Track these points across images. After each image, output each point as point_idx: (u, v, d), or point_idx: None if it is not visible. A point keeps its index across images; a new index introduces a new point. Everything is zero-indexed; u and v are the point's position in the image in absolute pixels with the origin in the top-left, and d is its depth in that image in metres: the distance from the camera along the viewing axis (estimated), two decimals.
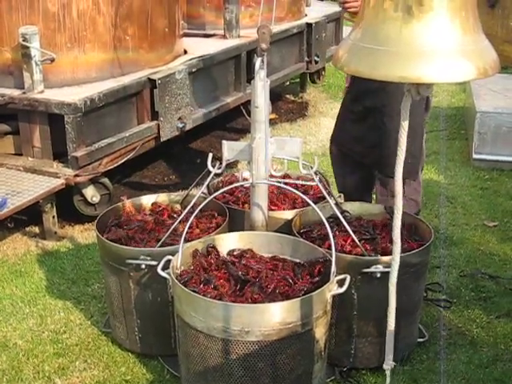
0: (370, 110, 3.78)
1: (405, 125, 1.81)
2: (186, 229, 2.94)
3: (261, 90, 3.06)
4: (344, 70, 1.83)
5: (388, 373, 2.25)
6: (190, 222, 2.97)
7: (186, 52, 5.79)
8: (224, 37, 6.38)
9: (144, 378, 3.24)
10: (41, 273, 4.19)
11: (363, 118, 3.84)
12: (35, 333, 3.60)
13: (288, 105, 7.87)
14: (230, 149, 3.21)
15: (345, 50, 1.84)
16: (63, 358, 3.40)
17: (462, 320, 3.65)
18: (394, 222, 1.99)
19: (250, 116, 3.21)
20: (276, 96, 7.66)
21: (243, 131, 6.62)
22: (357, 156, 3.98)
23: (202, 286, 2.87)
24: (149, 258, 3.10)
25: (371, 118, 3.79)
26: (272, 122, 6.94)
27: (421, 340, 3.41)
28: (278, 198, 3.66)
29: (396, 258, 2.03)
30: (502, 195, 5.27)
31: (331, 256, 2.81)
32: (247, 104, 6.02)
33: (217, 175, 3.41)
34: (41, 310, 3.80)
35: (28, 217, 4.77)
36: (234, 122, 6.98)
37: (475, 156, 5.83)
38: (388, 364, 2.22)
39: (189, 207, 3.16)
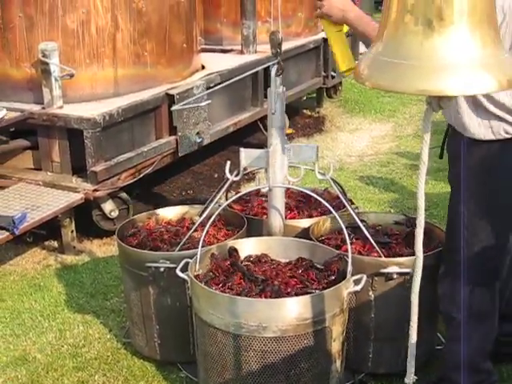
0: None
1: (426, 137, 1.81)
2: (204, 232, 2.97)
3: (277, 96, 3.09)
4: (365, 84, 1.83)
5: None
6: (208, 226, 3.00)
7: (203, 67, 5.83)
8: (241, 52, 6.42)
9: None
10: (60, 287, 4.21)
11: None
12: (54, 347, 3.61)
13: (305, 120, 7.87)
14: (247, 156, 3.25)
15: (366, 65, 1.84)
16: (82, 371, 3.41)
17: None
18: (416, 237, 1.98)
19: (266, 131, 3.22)
20: (293, 111, 7.67)
21: (260, 146, 6.58)
22: None
23: (220, 286, 2.88)
24: (168, 262, 3.13)
25: None
26: (289, 137, 6.95)
27: (439, 348, 3.39)
28: (294, 207, 3.67)
29: (418, 272, 2.02)
30: None
31: (348, 258, 2.82)
32: (264, 119, 6.04)
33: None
34: (60, 324, 3.82)
35: (47, 231, 4.80)
36: (251, 136, 7.00)
37: None
38: (409, 378, 2.21)
39: (206, 212, 3.21)
